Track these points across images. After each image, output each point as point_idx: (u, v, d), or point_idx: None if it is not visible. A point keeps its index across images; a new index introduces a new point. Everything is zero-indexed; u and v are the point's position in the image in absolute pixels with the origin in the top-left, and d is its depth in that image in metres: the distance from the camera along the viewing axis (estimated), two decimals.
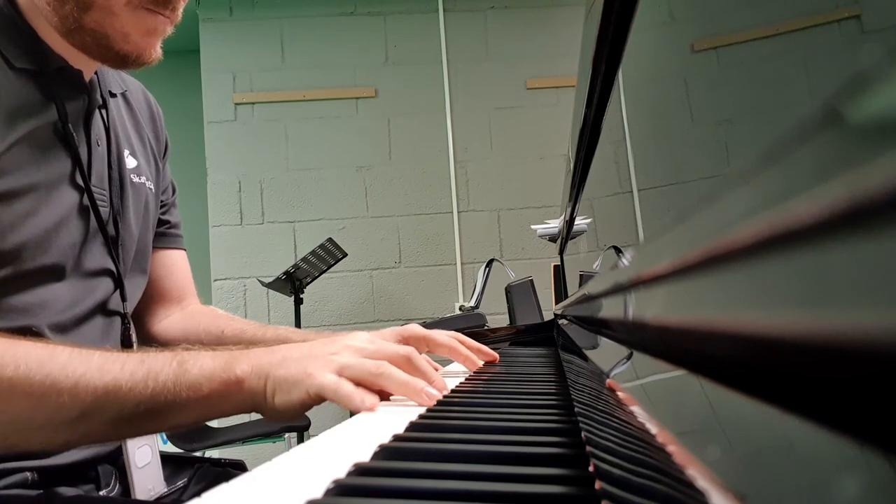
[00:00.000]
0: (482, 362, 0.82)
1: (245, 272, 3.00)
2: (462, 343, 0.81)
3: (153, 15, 0.67)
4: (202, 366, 0.56)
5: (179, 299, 0.95)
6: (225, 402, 0.56)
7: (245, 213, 3.04)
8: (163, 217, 0.93)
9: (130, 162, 0.82)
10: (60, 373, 0.52)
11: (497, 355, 0.85)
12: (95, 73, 0.76)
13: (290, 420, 0.57)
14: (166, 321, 0.94)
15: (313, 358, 0.56)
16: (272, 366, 0.56)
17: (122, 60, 0.69)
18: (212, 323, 0.92)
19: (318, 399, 0.54)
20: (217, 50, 3.08)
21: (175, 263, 0.95)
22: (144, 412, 0.54)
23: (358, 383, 0.54)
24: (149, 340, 0.92)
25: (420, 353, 0.61)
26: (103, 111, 0.78)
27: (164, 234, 0.93)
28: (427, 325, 0.84)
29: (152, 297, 0.92)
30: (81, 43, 0.68)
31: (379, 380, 0.55)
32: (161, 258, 0.93)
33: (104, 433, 0.56)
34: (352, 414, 0.53)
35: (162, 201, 0.92)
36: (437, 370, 0.60)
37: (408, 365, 0.57)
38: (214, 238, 3.03)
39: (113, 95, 0.82)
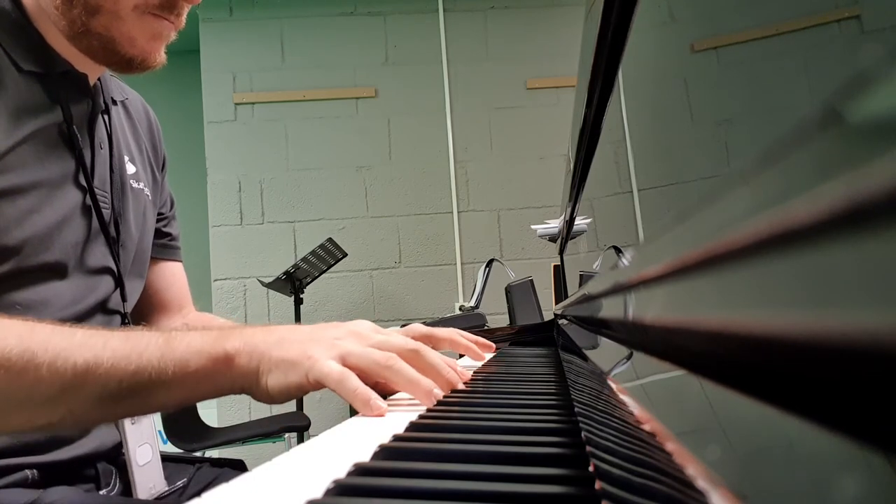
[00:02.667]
0: (485, 355, 0.84)
1: (245, 272, 3.00)
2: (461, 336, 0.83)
3: (159, 20, 0.68)
4: (189, 342, 0.53)
5: (180, 308, 0.97)
6: (213, 380, 0.53)
7: (245, 213, 3.04)
8: (165, 229, 0.94)
9: (130, 168, 0.84)
10: (40, 347, 0.50)
11: (493, 344, 0.87)
12: (98, 79, 0.77)
13: (281, 402, 0.54)
14: None
15: (315, 341, 0.53)
16: (268, 345, 0.53)
17: (128, 64, 0.70)
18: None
19: (317, 385, 0.51)
20: (217, 50, 3.08)
21: (175, 275, 0.97)
22: (128, 390, 0.52)
23: (360, 373, 0.51)
24: None
25: None
26: (106, 116, 0.79)
27: (167, 246, 0.95)
28: (427, 325, 0.84)
29: (155, 308, 0.93)
30: (88, 47, 0.69)
31: (386, 372, 0.52)
32: (163, 269, 0.94)
33: (87, 413, 0.53)
34: (352, 414, 0.52)
35: (162, 214, 0.93)
36: (452, 367, 0.58)
37: (417, 359, 0.55)
38: (214, 238, 3.03)
39: (115, 103, 0.83)
